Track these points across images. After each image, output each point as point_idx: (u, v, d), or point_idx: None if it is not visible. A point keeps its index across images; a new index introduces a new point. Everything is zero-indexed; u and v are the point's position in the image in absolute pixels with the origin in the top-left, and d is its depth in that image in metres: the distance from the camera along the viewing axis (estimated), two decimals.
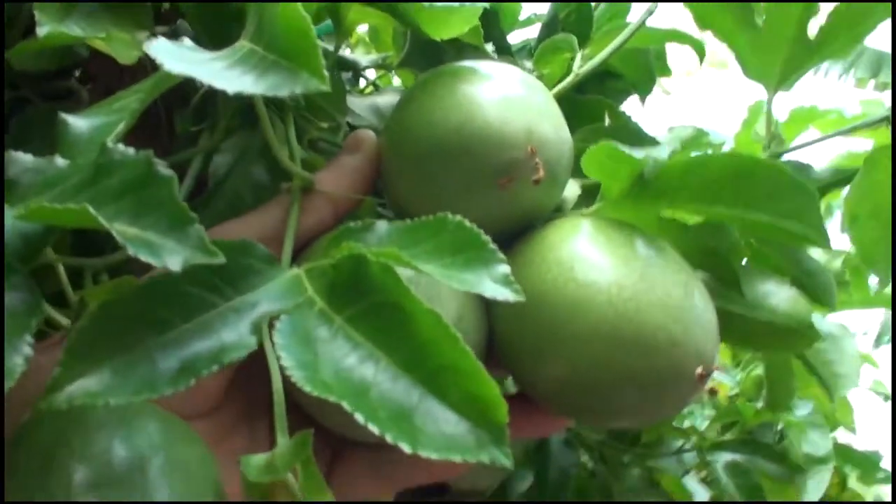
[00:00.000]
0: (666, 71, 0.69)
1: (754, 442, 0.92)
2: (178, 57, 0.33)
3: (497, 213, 0.46)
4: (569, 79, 0.56)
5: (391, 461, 0.45)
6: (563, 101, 0.62)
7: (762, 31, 0.55)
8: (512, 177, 0.44)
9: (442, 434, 0.29)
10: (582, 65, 0.57)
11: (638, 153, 0.44)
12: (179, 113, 0.61)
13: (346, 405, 0.29)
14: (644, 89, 0.67)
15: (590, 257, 0.43)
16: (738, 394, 1.06)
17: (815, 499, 0.98)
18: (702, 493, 0.98)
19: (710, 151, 0.52)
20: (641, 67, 0.66)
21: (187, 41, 0.36)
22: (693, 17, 0.58)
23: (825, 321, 0.73)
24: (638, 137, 0.58)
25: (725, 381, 1.06)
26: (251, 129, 0.54)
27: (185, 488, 0.31)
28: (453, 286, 0.33)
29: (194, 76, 0.31)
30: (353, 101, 0.63)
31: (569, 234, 0.45)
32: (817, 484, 0.98)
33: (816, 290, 0.56)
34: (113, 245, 0.51)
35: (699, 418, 0.97)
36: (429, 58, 0.61)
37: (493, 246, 0.35)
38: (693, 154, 0.45)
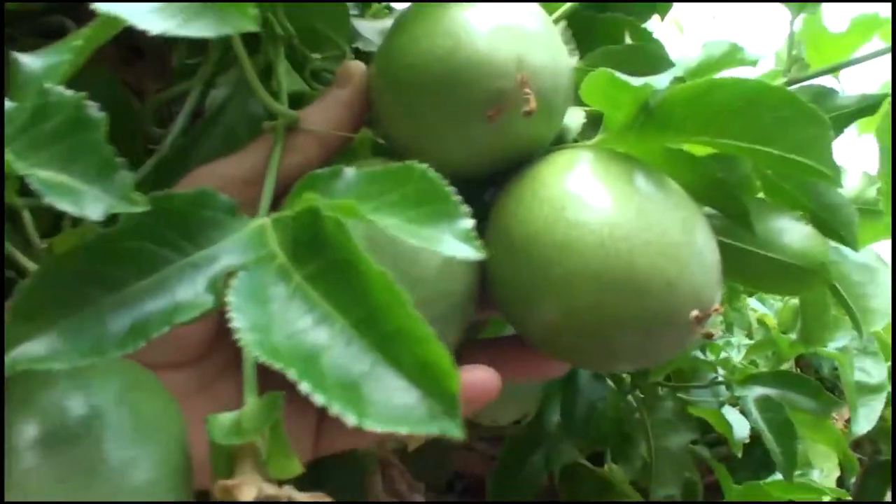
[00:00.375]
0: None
1: (787, 375, 0.90)
2: None
3: (488, 147, 0.44)
4: (559, 11, 0.53)
5: None
6: (580, 19, 0.60)
7: None
8: (501, 108, 0.42)
9: (391, 404, 0.27)
10: None
11: (637, 81, 0.41)
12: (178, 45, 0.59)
13: (292, 374, 0.27)
14: (663, 8, 0.64)
15: (582, 195, 0.41)
16: (776, 324, 1.03)
17: (867, 428, 0.95)
18: (742, 424, 0.96)
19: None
20: None
21: None
22: None
23: (861, 251, 0.70)
24: (655, 58, 0.55)
25: (767, 313, 1.03)
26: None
27: (141, 444, 0.30)
28: (412, 242, 0.31)
29: (119, 14, 0.29)
30: (362, 25, 0.61)
31: (563, 169, 0.43)
32: (869, 413, 0.96)
33: (836, 225, 0.54)
34: None
35: (735, 350, 0.94)
36: None
37: (456, 198, 0.33)
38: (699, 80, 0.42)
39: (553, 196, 0.42)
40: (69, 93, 0.29)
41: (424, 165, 0.34)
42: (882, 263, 0.69)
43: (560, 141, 0.49)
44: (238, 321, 0.29)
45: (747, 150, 0.42)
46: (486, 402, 0.42)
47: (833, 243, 0.64)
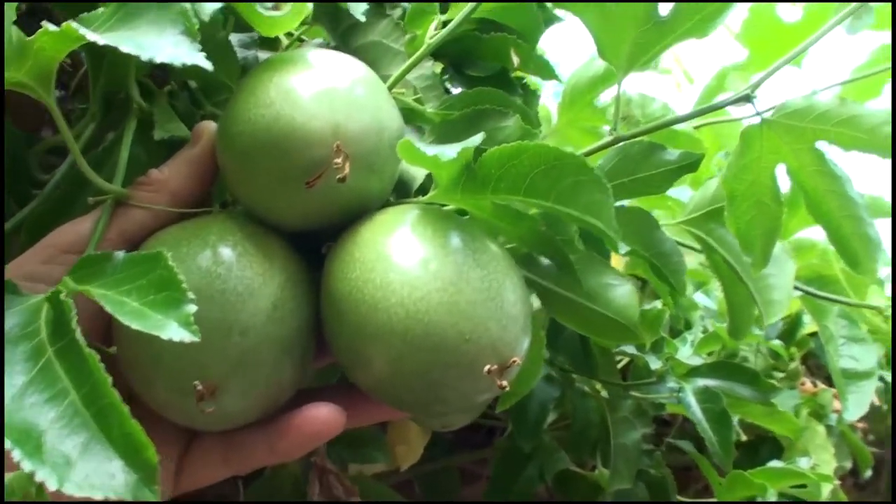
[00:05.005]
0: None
1: (725, 365, 0.92)
2: None
3: (314, 209, 0.47)
4: (422, 49, 0.55)
5: (240, 445, 0.47)
6: (467, 39, 0.63)
7: (611, 9, 0.52)
8: (320, 175, 0.44)
9: (97, 471, 0.31)
10: (434, 34, 0.56)
11: (430, 151, 0.43)
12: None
13: (8, 444, 0.31)
14: (532, 37, 0.66)
15: (390, 257, 0.44)
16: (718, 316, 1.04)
17: (858, 415, 0.96)
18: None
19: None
20: (526, 16, 0.64)
21: None
22: None
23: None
24: (502, 98, 0.57)
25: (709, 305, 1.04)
26: (124, 112, 0.55)
27: None
28: (135, 326, 0.35)
29: None
30: None
31: (380, 230, 0.46)
32: (859, 399, 0.96)
33: (667, 271, 0.57)
34: None
35: (688, 345, 0.95)
36: (330, 14, 0.61)
37: (185, 286, 0.36)
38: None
39: (365, 258, 0.45)
40: None
41: (169, 255, 0.37)
42: (787, 256, 0.71)
43: (405, 189, 0.53)
44: None
45: (552, 209, 0.45)
46: (331, 436, 0.46)
47: None
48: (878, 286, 1.26)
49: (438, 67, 0.67)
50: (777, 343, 1.09)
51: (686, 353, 0.93)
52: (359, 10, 0.56)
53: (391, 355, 0.43)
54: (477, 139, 0.44)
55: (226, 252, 0.45)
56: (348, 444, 0.90)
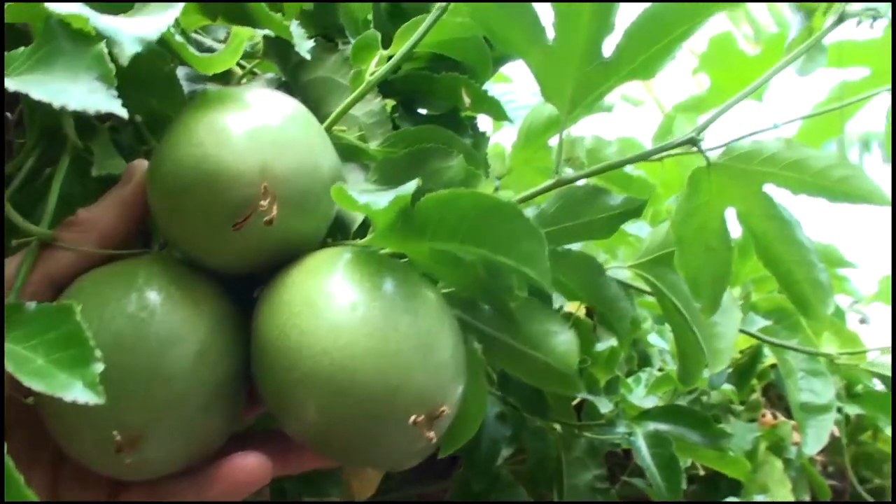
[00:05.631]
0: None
1: (676, 409, 0.91)
2: None
3: (243, 251, 0.45)
4: (363, 85, 0.54)
5: (166, 495, 0.46)
6: (418, 78, 0.63)
7: (553, 49, 0.51)
8: (247, 216, 0.43)
9: None
10: (375, 70, 0.55)
11: (364, 198, 0.42)
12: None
13: None
14: (482, 74, 0.65)
15: (317, 302, 0.43)
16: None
17: (817, 448, 0.96)
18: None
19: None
20: (476, 52, 0.63)
21: None
22: (485, 30, 0.55)
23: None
24: (445, 137, 0.57)
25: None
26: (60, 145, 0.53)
27: None
28: (37, 388, 0.33)
29: None
30: None
31: (310, 273, 0.45)
32: (818, 433, 0.97)
33: (612, 317, 0.56)
34: None
35: (641, 385, 0.95)
36: (279, 49, 0.61)
37: (93, 343, 0.35)
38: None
39: (292, 302, 0.43)
40: None
41: (79, 308, 0.36)
42: (734, 304, 0.71)
43: (343, 230, 0.51)
44: None
45: (490, 258, 0.44)
46: (257, 486, 0.44)
47: None
48: (836, 320, 1.27)
49: (389, 105, 0.66)
50: (728, 388, 1.09)
51: (640, 394, 0.93)
52: (304, 48, 0.55)
53: (317, 404, 0.42)
54: (411, 186, 0.43)
55: (151, 296, 0.43)
56: (303, 478, 0.88)
